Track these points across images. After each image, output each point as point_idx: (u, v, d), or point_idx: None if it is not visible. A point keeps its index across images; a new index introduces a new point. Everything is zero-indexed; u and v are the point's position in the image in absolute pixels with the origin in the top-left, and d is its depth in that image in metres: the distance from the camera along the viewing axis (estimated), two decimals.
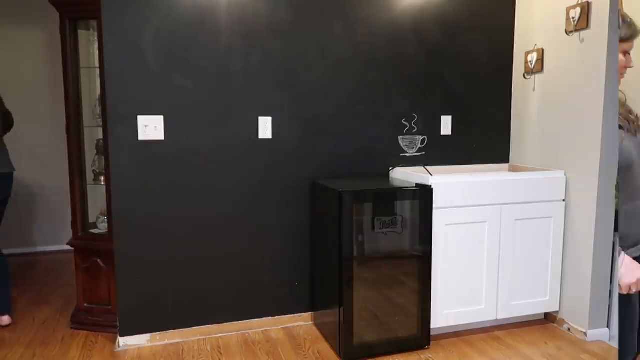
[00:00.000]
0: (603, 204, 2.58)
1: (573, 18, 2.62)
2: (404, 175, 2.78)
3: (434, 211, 2.52)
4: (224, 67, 2.60)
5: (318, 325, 2.82)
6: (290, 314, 2.86)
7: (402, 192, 2.49)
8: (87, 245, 2.76)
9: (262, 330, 2.78)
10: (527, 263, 2.75)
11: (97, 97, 2.78)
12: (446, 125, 3.03)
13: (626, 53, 1.94)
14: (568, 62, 2.71)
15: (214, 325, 2.72)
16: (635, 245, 1.67)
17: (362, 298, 2.45)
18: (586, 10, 2.54)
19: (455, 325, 2.72)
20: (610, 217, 2.61)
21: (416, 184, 2.55)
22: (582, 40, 2.61)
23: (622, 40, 1.89)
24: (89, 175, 2.88)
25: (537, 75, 2.95)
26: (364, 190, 2.42)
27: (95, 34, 2.71)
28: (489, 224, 2.65)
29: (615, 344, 2.63)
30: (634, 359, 1.81)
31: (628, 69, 1.99)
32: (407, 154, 2.98)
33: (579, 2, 2.59)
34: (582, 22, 2.57)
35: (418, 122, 2.97)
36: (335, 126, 2.82)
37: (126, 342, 2.59)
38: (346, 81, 2.81)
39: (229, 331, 2.75)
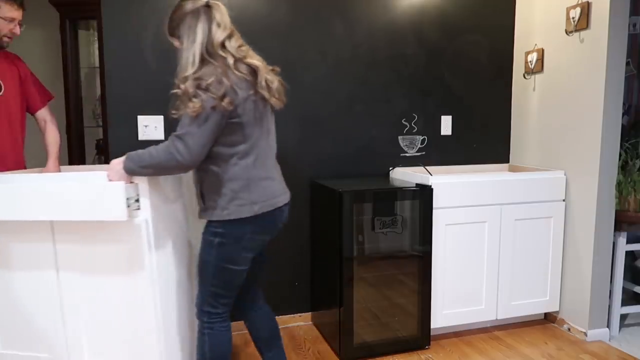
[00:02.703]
0: (603, 204, 2.58)
1: (573, 18, 2.62)
2: (404, 175, 2.78)
3: (434, 211, 2.52)
4: None
5: (318, 325, 2.82)
6: (290, 314, 2.86)
7: (402, 192, 2.49)
8: None
9: None
10: (527, 263, 2.75)
11: (97, 97, 2.79)
12: (446, 125, 3.03)
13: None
14: (568, 62, 2.71)
15: None
16: None
17: (362, 298, 2.45)
18: (586, 10, 2.54)
19: (455, 325, 2.72)
20: (611, 217, 2.61)
21: (416, 184, 2.55)
22: (582, 40, 2.61)
23: None
24: None
25: (537, 75, 2.95)
26: (364, 190, 2.42)
27: (95, 34, 2.71)
28: (489, 224, 2.65)
29: (615, 344, 2.63)
30: None
31: None
32: (407, 154, 2.98)
33: (579, 2, 2.59)
34: (582, 22, 2.57)
35: (418, 122, 2.97)
36: (335, 126, 2.82)
37: None
38: (346, 81, 2.81)
39: None
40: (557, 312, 2.86)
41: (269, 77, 1.71)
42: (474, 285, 2.67)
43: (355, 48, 2.81)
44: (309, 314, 2.89)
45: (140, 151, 1.66)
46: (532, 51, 2.94)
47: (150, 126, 2.52)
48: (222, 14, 1.67)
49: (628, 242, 2.72)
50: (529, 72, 2.99)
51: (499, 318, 2.75)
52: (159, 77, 2.51)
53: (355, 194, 2.39)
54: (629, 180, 2.66)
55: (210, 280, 1.76)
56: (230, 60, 1.63)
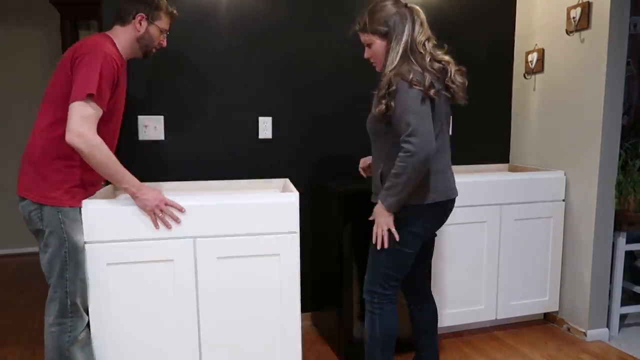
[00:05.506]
0: (603, 204, 2.58)
1: (573, 18, 2.62)
2: None
3: None
4: (224, 66, 2.60)
5: (318, 325, 2.82)
6: None
7: None
8: None
9: None
10: (527, 263, 2.75)
11: None
12: None
13: None
14: (568, 62, 2.71)
15: None
16: None
17: (362, 298, 2.44)
18: (586, 10, 2.54)
19: (455, 325, 2.72)
20: (611, 217, 2.61)
21: None
22: (582, 40, 2.61)
23: None
24: None
25: (537, 75, 2.94)
26: (364, 190, 2.42)
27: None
28: (489, 224, 2.65)
29: (614, 343, 2.63)
30: None
31: None
32: None
33: (580, 2, 2.58)
34: (583, 22, 2.57)
35: None
36: (336, 126, 2.81)
37: None
38: (346, 80, 2.81)
39: None
40: (556, 312, 2.86)
41: (457, 75, 1.81)
42: (474, 285, 2.67)
43: (356, 46, 2.80)
44: (309, 314, 2.89)
45: (384, 187, 1.79)
46: (533, 51, 2.94)
47: (150, 126, 2.52)
48: (424, 17, 1.81)
49: (628, 242, 2.72)
50: (529, 72, 2.99)
51: (498, 318, 2.75)
52: (159, 77, 2.51)
53: (356, 194, 2.39)
54: (629, 180, 2.66)
55: (385, 262, 1.87)
56: (427, 58, 1.75)
